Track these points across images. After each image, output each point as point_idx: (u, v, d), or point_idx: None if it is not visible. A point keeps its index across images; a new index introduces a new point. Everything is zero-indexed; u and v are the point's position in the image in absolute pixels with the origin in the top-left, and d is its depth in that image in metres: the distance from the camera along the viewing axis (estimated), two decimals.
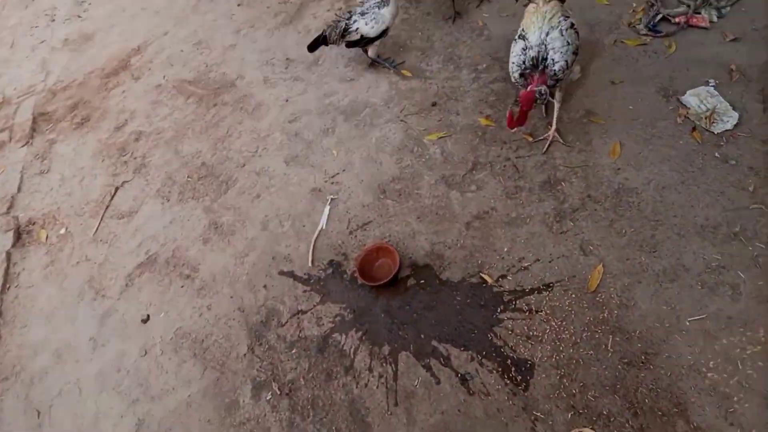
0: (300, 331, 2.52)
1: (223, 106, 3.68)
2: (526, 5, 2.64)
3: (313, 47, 3.31)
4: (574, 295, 2.27)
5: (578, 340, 2.16)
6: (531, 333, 2.22)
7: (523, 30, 2.52)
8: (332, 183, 3.06)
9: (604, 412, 1.98)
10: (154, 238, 3.06)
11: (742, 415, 1.88)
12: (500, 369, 2.16)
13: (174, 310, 2.72)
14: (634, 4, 3.26)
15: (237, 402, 2.36)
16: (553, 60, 2.39)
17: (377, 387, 2.26)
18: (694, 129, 2.63)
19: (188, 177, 3.31)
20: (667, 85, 2.88)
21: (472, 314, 2.34)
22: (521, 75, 2.48)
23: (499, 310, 2.32)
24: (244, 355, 2.49)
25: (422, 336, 2.34)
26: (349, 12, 3.24)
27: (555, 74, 2.41)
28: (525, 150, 2.84)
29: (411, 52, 3.60)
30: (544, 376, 2.11)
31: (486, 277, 2.43)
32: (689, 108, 2.67)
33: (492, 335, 2.26)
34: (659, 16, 3.04)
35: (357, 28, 3.16)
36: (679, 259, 2.27)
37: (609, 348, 2.11)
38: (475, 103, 3.15)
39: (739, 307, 2.10)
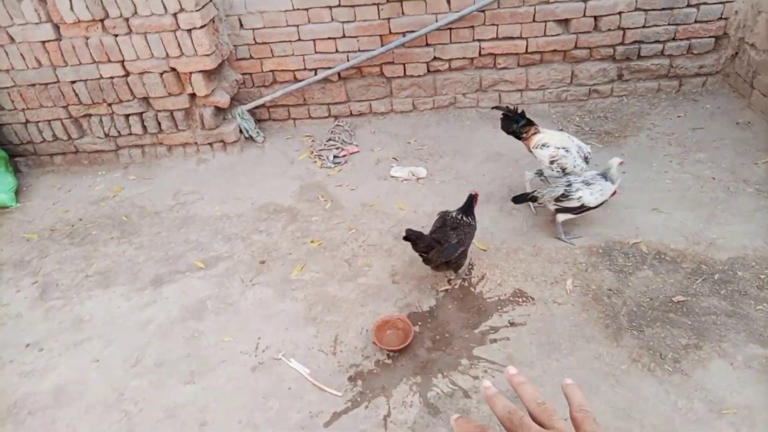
0: (403, 413, 2.46)
1: None
2: (530, 136, 3.49)
3: (518, 201, 3.40)
4: None
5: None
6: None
7: (563, 146, 3.39)
8: (263, 351, 2.95)
9: None
10: None
11: None
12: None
13: None
14: (312, 155, 4.76)
15: None
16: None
17: (483, 373, 2.60)
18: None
19: None
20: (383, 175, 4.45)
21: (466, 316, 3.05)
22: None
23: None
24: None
25: (461, 336, 2.84)
26: (568, 179, 3.22)
27: None
28: None
29: None
30: None
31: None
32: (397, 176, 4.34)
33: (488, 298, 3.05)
34: (332, 155, 4.68)
35: (580, 197, 3.11)
36: None
37: None
38: None
39: None
